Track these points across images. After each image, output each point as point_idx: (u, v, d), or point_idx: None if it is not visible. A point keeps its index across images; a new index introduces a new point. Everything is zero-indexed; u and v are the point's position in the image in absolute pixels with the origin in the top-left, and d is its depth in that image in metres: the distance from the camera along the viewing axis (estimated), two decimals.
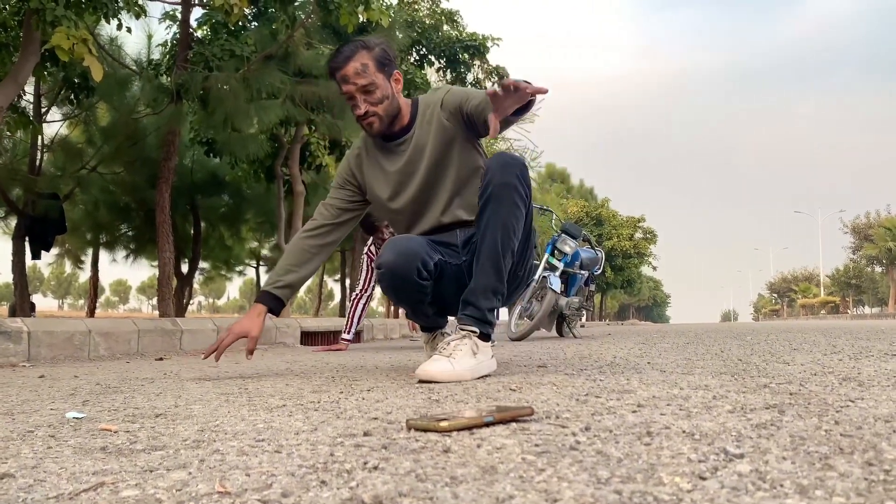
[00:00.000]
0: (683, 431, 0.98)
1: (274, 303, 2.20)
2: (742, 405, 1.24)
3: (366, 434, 1.01)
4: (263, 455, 0.88)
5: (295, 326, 5.55)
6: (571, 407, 1.26)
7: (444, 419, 1.01)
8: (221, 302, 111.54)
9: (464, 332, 1.90)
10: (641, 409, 1.21)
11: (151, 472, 0.80)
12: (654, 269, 37.01)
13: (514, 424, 1.06)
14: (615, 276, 31.27)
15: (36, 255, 9.87)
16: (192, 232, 12.47)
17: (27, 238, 9.68)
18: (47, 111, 9.77)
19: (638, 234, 32.25)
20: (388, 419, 1.16)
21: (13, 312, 9.47)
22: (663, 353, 3.16)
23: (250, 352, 2.18)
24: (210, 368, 2.71)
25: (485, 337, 1.94)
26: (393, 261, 1.95)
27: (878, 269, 50.15)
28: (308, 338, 5.72)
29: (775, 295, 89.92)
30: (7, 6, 6.36)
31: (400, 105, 2.12)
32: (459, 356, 1.83)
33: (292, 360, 3.35)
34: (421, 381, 1.78)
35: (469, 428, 1.01)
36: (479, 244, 1.95)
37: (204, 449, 0.93)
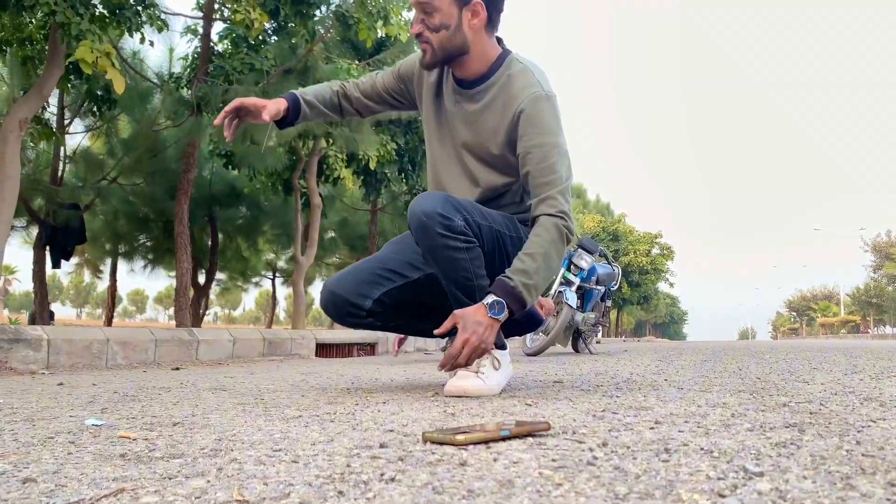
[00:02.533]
0: (702, 449, 0.97)
1: (295, 101, 2.00)
2: (761, 423, 1.22)
3: (382, 446, 1.01)
4: (281, 465, 0.88)
5: (310, 338, 5.56)
6: (588, 423, 1.26)
7: (462, 432, 1.00)
8: (237, 313, 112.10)
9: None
10: (659, 426, 1.20)
11: (170, 479, 0.80)
12: (672, 285, 36.73)
13: (530, 439, 1.06)
14: (632, 291, 31.06)
15: (56, 265, 10.00)
16: (209, 243, 12.57)
17: (48, 247, 9.81)
18: (70, 122, 9.93)
19: (655, 250, 32.05)
20: (404, 431, 1.16)
21: (33, 321, 9.59)
22: (680, 370, 3.13)
23: (240, 103, 1.93)
24: (226, 378, 2.72)
25: (500, 346, 1.92)
26: (326, 298, 1.93)
27: None
28: (323, 350, 5.73)
29: (794, 313, 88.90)
30: (33, 20, 6.48)
31: (469, 44, 1.82)
32: (487, 371, 1.81)
33: (308, 371, 3.35)
34: (450, 396, 1.78)
35: (486, 442, 1.01)
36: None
37: (221, 458, 0.94)
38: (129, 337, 3.80)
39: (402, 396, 1.80)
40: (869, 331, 56.45)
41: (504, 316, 1.68)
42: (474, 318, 1.67)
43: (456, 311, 1.70)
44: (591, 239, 6.47)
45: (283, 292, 24.82)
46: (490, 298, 1.68)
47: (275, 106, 1.93)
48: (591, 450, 0.97)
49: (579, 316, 6.15)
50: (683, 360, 4.22)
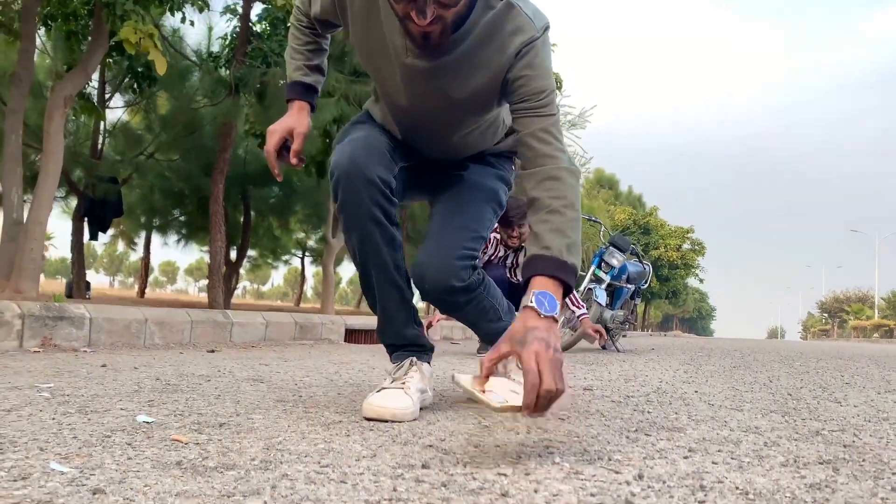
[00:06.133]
0: (737, 488, 0.99)
1: (309, 94, 1.76)
2: (795, 457, 1.24)
3: (424, 466, 1.05)
4: (330, 485, 0.92)
5: (340, 324, 5.64)
6: (622, 446, 1.28)
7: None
8: (265, 288, 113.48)
9: None
10: (693, 455, 1.22)
11: (229, 497, 0.85)
12: (701, 281, 36.34)
13: (566, 467, 1.09)
14: (660, 286, 30.82)
15: (94, 237, 10.23)
16: (241, 221, 12.74)
17: (86, 219, 10.04)
18: (110, 97, 10.11)
19: (686, 245, 31.73)
20: (442, 447, 1.20)
21: (70, 290, 9.83)
22: (710, 378, 3.13)
23: (297, 154, 1.66)
24: (261, 367, 2.78)
25: None
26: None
27: None
28: (351, 335, 5.81)
29: (826, 315, 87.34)
30: None
31: None
32: (515, 373, 1.79)
33: (339, 360, 3.42)
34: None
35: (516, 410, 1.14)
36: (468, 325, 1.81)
37: (273, 472, 0.98)
38: (167, 317, 3.90)
39: (435, 400, 1.84)
40: None
41: (559, 307, 1.27)
42: (529, 333, 1.20)
43: (501, 341, 1.23)
44: (624, 236, 6.44)
45: (310, 270, 25.04)
46: (532, 295, 1.26)
47: (303, 124, 1.70)
48: (627, 483, 0.99)
49: (608, 313, 6.15)
50: (712, 365, 4.21)
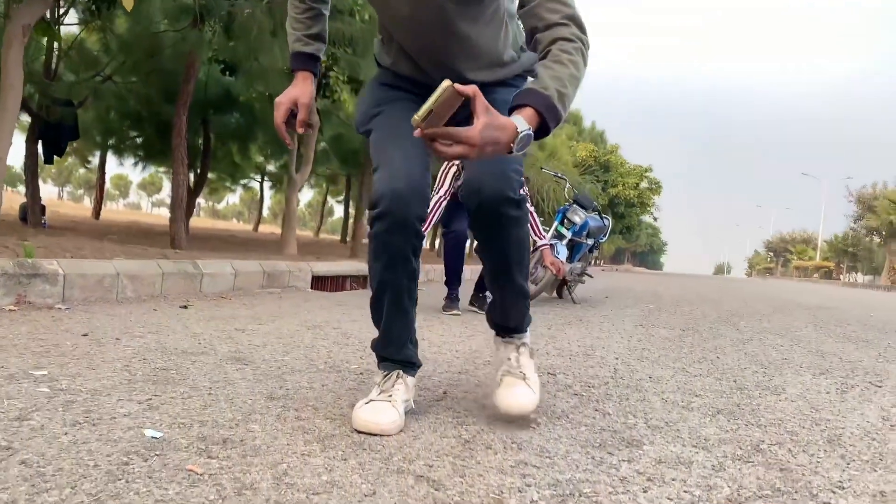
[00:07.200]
0: None
1: (312, 63, 1.84)
2: (739, 486, 1.42)
3: None
4: None
5: (307, 271, 5.73)
6: (590, 473, 1.44)
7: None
8: (221, 206, 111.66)
9: (518, 343, 1.88)
10: (651, 487, 1.39)
11: None
12: (655, 219, 37.18)
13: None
14: (616, 222, 31.42)
15: (49, 160, 9.96)
16: (202, 146, 12.48)
17: (40, 142, 9.73)
18: (65, 13, 9.63)
19: (643, 184, 32.25)
20: (432, 478, 1.34)
21: (24, 213, 9.63)
22: (661, 354, 3.33)
23: (302, 123, 1.80)
24: (238, 333, 2.88)
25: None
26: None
27: (876, 239, 50.35)
28: (318, 282, 5.91)
29: (771, 253, 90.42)
30: None
31: None
32: (529, 370, 1.83)
33: (311, 323, 3.53)
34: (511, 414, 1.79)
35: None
36: (489, 264, 1.79)
37: None
38: (138, 271, 3.93)
39: (416, 409, 1.96)
40: (840, 278, 57.75)
41: (527, 148, 1.37)
42: (499, 131, 1.31)
43: (486, 115, 1.30)
44: (587, 195, 6.61)
45: (269, 192, 24.73)
46: (523, 126, 1.34)
47: (307, 94, 1.80)
48: None
49: (567, 267, 6.37)
50: (662, 327, 4.44)
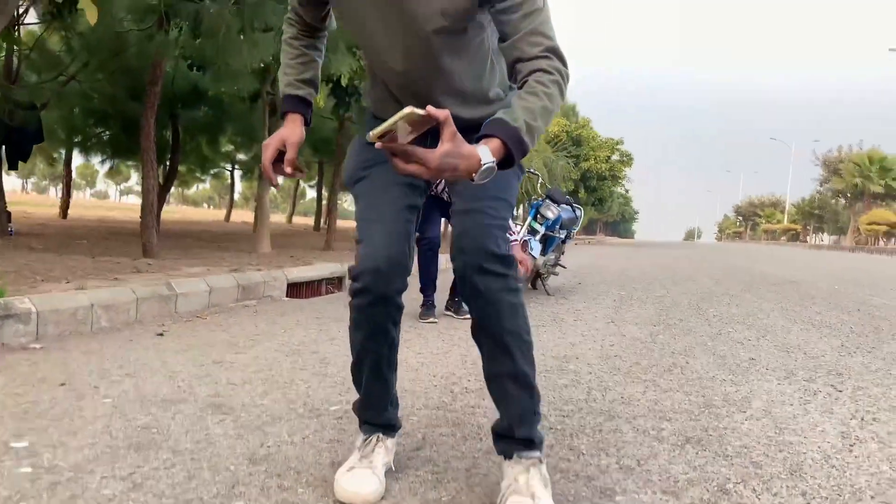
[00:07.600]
0: None
1: (303, 107, 1.82)
2: None
3: None
4: None
5: (282, 279, 5.74)
6: None
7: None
8: (192, 191, 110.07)
9: (528, 463, 1.65)
10: None
11: None
12: (627, 191, 37.45)
13: None
14: (588, 195, 31.64)
15: (13, 166, 9.76)
16: (171, 140, 12.29)
17: (3, 147, 9.53)
18: (25, 13, 9.37)
19: (615, 157, 32.44)
20: None
21: None
22: (634, 358, 3.41)
23: (290, 163, 1.72)
24: (216, 367, 2.90)
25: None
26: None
27: (841, 201, 51.32)
28: (294, 289, 5.93)
29: (740, 218, 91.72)
30: None
31: None
32: (541, 494, 1.60)
33: (289, 347, 3.55)
34: None
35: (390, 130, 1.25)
36: (485, 347, 1.70)
37: None
38: (112, 300, 3.92)
39: (396, 462, 2.01)
40: (807, 240, 58.91)
41: (488, 179, 1.36)
42: (461, 159, 1.30)
43: (451, 142, 1.30)
44: (559, 190, 6.69)
45: (238, 177, 24.40)
46: (487, 158, 1.34)
47: (296, 134, 1.76)
48: None
49: (541, 260, 6.47)
50: (633, 324, 4.52)
